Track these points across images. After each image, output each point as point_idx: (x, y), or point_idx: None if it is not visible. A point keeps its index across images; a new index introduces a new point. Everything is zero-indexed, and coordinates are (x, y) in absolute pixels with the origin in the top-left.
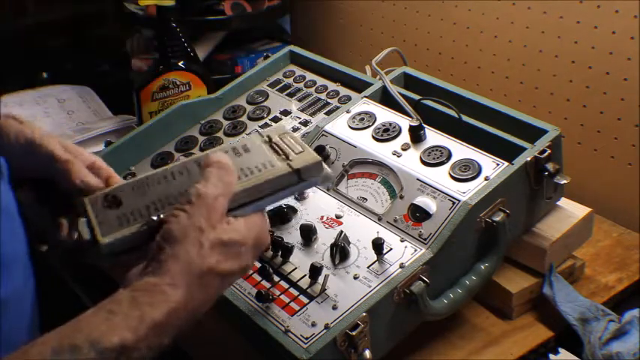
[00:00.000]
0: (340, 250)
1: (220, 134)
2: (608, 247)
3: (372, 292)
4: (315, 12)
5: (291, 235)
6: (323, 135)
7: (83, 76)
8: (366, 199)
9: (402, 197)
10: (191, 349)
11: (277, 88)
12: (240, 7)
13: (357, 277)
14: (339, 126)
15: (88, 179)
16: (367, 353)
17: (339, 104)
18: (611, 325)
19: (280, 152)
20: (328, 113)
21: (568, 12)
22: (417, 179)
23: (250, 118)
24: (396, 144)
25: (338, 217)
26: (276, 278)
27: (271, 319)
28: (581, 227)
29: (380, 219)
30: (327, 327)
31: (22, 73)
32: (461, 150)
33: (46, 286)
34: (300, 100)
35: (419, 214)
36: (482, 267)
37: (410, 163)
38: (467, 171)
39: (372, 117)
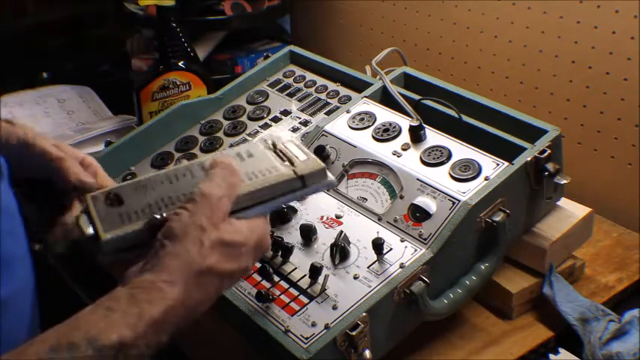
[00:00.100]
0: (340, 250)
1: (220, 134)
2: (608, 247)
3: (372, 292)
4: (315, 12)
5: (291, 235)
6: (323, 135)
7: (83, 76)
8: (366, 199)
9: (402, 197)
10: (190, 349)
11: (277, 88)
12: (240, 7)
13: (357, 277)
14: (339, 126)
15: (82, 177)
16: (367, 353)
17: (339, 104)
18: (611, 325)
19: (284, 158)
20: (328, 113)
21: (568, 12)
22: (417, 179)
23: (250, 118)
24: (396, 144)
25: (338, 217)
26: (276, 278)
27: (271, 319)
28: (581, 227)
29: (380, 219)
30: (327, 327)
31: (22, 73)
32: (461, 150)
33: (46, 286)
34: (300, 100)
35: (419, 214)
36: (482, 267)
37: (410, 163)
38: (467, 171)
39: (372, 117)
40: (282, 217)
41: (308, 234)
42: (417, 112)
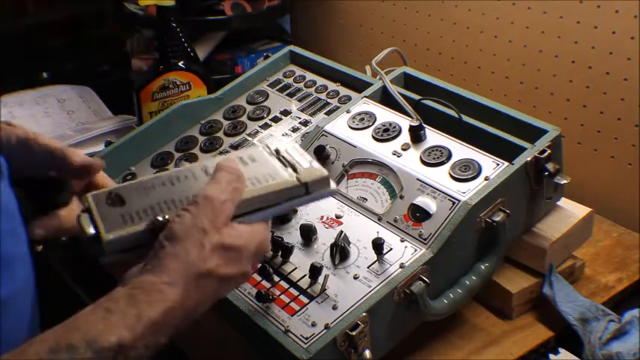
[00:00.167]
0: (340, 250)
1: (220, 134)
2: (608, 247)
3: (372, 292)
4: (315, 12)
5: (291, 235)
6: (323, 135)
7: (83, 76)
8: (366, 199)
9: (402, 197)
10: (189, 349)
11: (277, 88)
12: (240, 7)
13: (357, 277)
14: (339, 126)
15: (86, 159)
16: (367, 353)
17: (339, 104)
18: (611, 325)
19: (287, 164)
20: (328, 113)
21: (568, 12)
22: (417, 179)
23: (250, 118)
24: (396, 144)
25: (338, 217)
26: (276, 278)
27: (271, 319)
28: (581, 227)
29: (380, 219)
30: (327, 327)
31: (22, 73)
32: (461, 150)
33: (46, 286)
34: (300, 100)
35: (419, 214)
36: (482, 267)
37: (410, 163)
38: (467, 171)
39: (372, 117)
40: (282, 217)
41: (308, 234)
42: (417, 112)
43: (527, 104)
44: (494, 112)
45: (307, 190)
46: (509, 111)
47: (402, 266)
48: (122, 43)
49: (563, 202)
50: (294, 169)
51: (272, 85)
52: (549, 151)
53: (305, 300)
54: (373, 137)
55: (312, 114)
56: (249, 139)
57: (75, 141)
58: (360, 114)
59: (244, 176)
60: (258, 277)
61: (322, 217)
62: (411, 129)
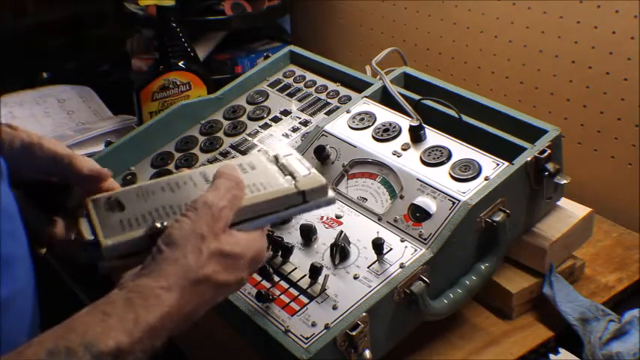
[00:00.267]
0: (340, 250)
1: (220, 134)
2: (608, 247)
3: (372, 292)
4: (315, 12)
5: (291, 235)
6: (323, 135)
7: (83, 76)
8: (366, 199)
9: (402, 197)
10: (189, 349)
11: (277, 88)
12: (240, 7)
13: (357, 277)
14: (339, 126)
15: (94, 167)
16: (367, 353)
17: (339, 104)
18: (611, 325)
19: (286, 172)
20: (328, 113)
21: (568, 12)
22: (417, 179)
23: (250, 118)
24: (396, 144)
25: (338, 217)
26: (276, 278)
27: (271, 319)
28: (581, 227)
29: (380, 219)
30: (327, 327)
31: (22, 73)
32: (461, 150)
33: (46, 286)
34: (300, 100)
35: (419, 214)
36: (483, 267)
37: (410, 163)
38: (467, 171)
39: (372, 117)
40: None
41: (308, 234)
42: (417, 112)
43: (527, 104)
44: (494, 112)
45: (305, 199)
46: (509, 111)
47: (402, 266)
48: (122, 43)
49: (563, 202)
50: (293, 177)
51: (272, 85)
52: (549, 151)
53: (305, 300)
54: (373, 137)
55: (312, 114)
56: (249, 139)
57: (75, 141)
58: (360, 114)
59: (244, 183)
60: (258, 277)
61: (322, 217)
62: (411, 129)
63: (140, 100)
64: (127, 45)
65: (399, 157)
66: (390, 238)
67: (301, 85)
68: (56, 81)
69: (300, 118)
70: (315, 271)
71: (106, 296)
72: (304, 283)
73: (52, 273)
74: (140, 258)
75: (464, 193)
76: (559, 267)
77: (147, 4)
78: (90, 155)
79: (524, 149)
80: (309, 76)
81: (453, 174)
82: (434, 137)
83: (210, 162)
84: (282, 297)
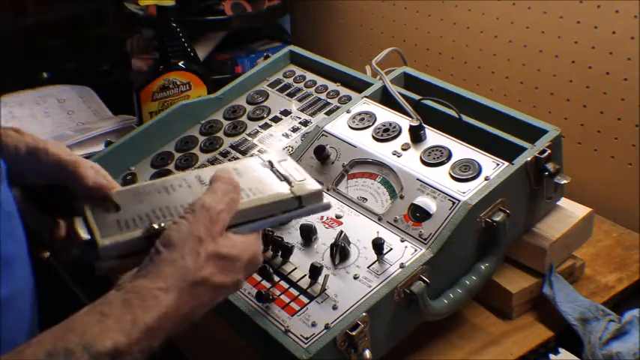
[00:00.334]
0: (340, 250)
1: (220, 134)
2: (608, 247)
3: (372, 292)
4: (315, 12)
5: (291, 235)
6: (323, 135)
7: (83, 76)
8: (366, 199)
9: (402, 197)
10: (189, 349)
11: (277, 88)
12: (240, 7)
13: (357, 277)
14: (339, 126)
15: (99, 179)
16: (367, 353)
17: (339, 104)
18: (611, 325)
19: (282, 177)
20: (328, 113)
21: (568, 12)
22: (417, 179)
23: (250, 118)
24: (396, 144)
25: (338, 217)
26: (276, 278)
27: (271, 319)
28: (581, 227)
29: (380, 219)
30: (327, 327)
31: (22, 73)
32: (461, 150)
33: (46, 286)
34: (300, 100)
35: (419, 214)
36: (483, 267)
37: (410, 163)
38: (467, 171)
39: (372, 117)
40: None
41: (308, 234)
42: (417, 112)
43: (527, 104)
44: (494, 112)
45: (300, 204)
46: (509, 111)
47: (402, 266)
48: (122, 43)
49: (563, 202)
50: (289, 182)
51: (272, 85)
52: (549, 151)
53: (305, 300)
54: (373, 137)
55: (312, 114)
56: (249, 139)
57: (75, 141)
58: (360, 114)
59: (240, 187)
60: (258, 277)
61: (322, 217)
62: (411, 129)
63: (140, 100)
64: (127, 45)
65: (399, 157)
66: (390, 238)
67: (301, 85)
68: (56, 81)
69: (300, 118)
70: (315, 271)
71: (103, 297)
72: (304, 283)
73: (53, 273)
74: (137, 259)
75: (464, 193)
76: (559, 267)
77: (147, 4)
78: (90, 155)
79: (524, 149)
80: (309, 76)
81: (453, 174)
82: (434, 137)
83: (210, 162)
84: (282, 297)
